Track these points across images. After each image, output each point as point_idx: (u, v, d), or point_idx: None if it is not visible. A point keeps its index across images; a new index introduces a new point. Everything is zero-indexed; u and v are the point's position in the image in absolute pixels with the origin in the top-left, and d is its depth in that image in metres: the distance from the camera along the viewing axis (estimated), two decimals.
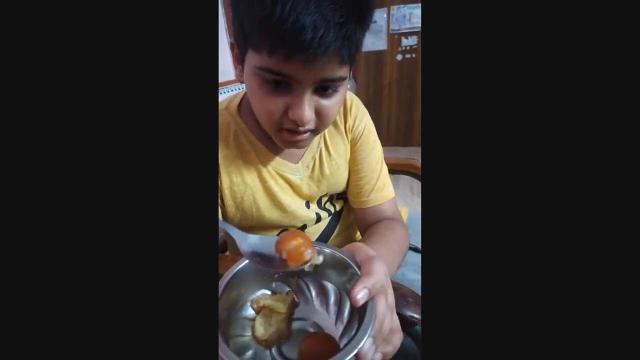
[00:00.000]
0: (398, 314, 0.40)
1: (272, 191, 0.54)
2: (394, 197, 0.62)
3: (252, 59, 0.39)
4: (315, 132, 0.45)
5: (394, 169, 0.88)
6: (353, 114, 0.59)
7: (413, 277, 0.62)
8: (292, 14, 0.32)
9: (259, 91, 0.41)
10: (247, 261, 0.31)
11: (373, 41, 2.74)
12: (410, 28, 2.64)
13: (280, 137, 0.45)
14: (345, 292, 0.31)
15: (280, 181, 0.55)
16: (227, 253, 0.74)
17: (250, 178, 0.53)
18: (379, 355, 0.27)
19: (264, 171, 0.54)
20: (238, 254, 0.66)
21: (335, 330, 0.30)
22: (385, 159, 0.85)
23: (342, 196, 0.65)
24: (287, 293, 0.33)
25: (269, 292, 0.33)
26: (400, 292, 0.42)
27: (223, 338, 0.25)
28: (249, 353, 0.30)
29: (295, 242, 0.30)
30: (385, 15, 2.64)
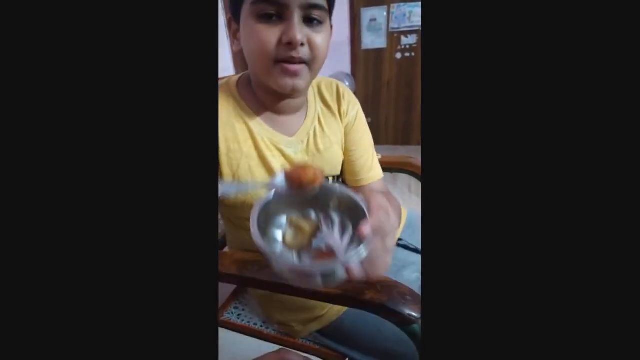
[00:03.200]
0: (396, 312, 0.40)
1: (267, 161, 0.56)
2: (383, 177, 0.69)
3: (247, 2, 0.47)
4: (309, 66, 0.49)
5: (393, 168, 0.88)
6: (346, 100, 0.65)
7: (412, 277, 0.62)
8: None
9: (255, 29, 0.46)
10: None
11: (372, 39, 2.73)
12: (409, 26, 2.63)
13: (276, 72, 0.49)
14: (354, 226, 0.39)
15: (276, 153, 0.57)
16: (226, 249, 0.74)
17: (246, 146, 0.55)
18: (363, 272, 0.33)
19: (260, 142, 0.56)
20: (238, 250, 0.67)
21: (344, 253, 0.37)
22: (384, 157, 0.86)
23: (338, 181, 0.67)
24: (314, 220, 0.42)
25: (302, 216, 0.43)
26: (399, 291, 0.42)
27: (261, 234, 0.33)
28: (278, 249, 0.40)
29: (309, 173, 0.39)
30: (385, 14, 2.64)
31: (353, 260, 0.32)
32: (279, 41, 0.46)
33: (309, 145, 0.60)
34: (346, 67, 2.86)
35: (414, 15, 2.59)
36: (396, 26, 2.66)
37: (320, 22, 0.48)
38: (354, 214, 0.38)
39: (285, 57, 0.47)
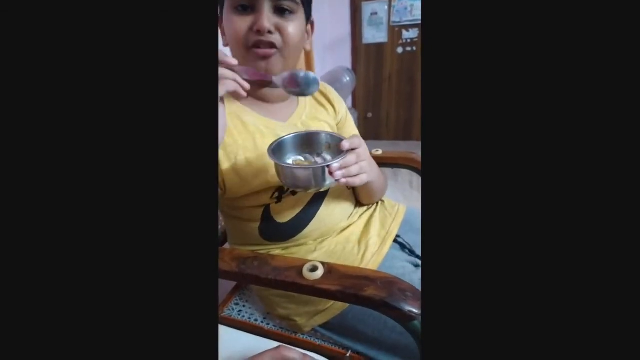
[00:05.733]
0: (397, 308, 0.40)
1: (264, 149, 0.57)
2: None
3: (227, 1, 0.54)
4: (281, 52, 0.55)
5: (394, 163, 0.87)
6: (334, 97, 0.72)
7: (398, 264, 0.63)
8: None
9: (231, 19, 0.53)
10: (292, 135, 0.54)
11: (374, 33, 2.71)
12: (411, 20, 2.61)
13: (249, 57, 0.54)
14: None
15: (273, 139, 0.58)
16: (227, 245, 0.74)
17: (241, 139, 0.58)
18: (341, 173, 0.48)
19: (256, 131, 0.59)
20: (237, 246, 0.67)
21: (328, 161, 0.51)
22: (385, 153, 0.86)
23: None
24: (310, 161, 0.56)
25: (302, 158, 0.56)
26: (399, 287, 0.42)
27: (279, 161, 0.48)
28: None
29: None
30: (386, 7, 2.62)
31: (334, 164, 0.46)
32: (250, 29, 0.52)
33: (303, 129, 0.63)
34: (347, 62, 2.85)
35: (415, 9, 2.57)
36: (397, 20, 2.64)
37: (291, 12, 0.53)
38: (340, 151, 0.51)
39: (255, 41, 0.52)
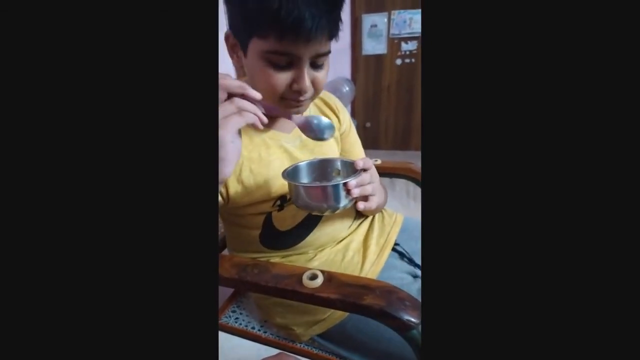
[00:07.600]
0: (396, 317, 0.40)
1: (268, 160, 0.58)
2: None
3: (259, 45, 0.49)
4: (312, 98, 0.56)
5: (392, 173, 0.88)
6: (340, 108, 0.73)
7: (396, 275, 0.63)
8: (295, 8, 0.43)
9: (265, 71, 0.51)
10: (306, 162, 0.56)
11: (373, 45, 2.75)
12: (410, 33, 2.65)
13: (283, 104, 0.54)
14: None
15: (277, 150, 0.60)
16: (225, 251, 0.74)
17: (246, 151, 0.58)
18: (357, 190, 0.48)
19: (261, 143, 0.59)
20: (237, 252, 0.67)
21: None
22: (383, 162, 0.86)
23: None
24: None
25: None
26: (398, 296, 0.42)
27: (294, 182, 0.50)
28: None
29: None
30: (385, 20, 2.65)
31: (351, 181, 0.47)
32: (289, 86, 0.51)
33: (307, 140, 0.63)
34: (347, 73, 2.87)
35: (414, 22, 2.61)
36: (397, 32, 2.67)
37: (323, 63, 0.53)
38: (351, 174, 0.51)
39: (292, 98, 0.52)
